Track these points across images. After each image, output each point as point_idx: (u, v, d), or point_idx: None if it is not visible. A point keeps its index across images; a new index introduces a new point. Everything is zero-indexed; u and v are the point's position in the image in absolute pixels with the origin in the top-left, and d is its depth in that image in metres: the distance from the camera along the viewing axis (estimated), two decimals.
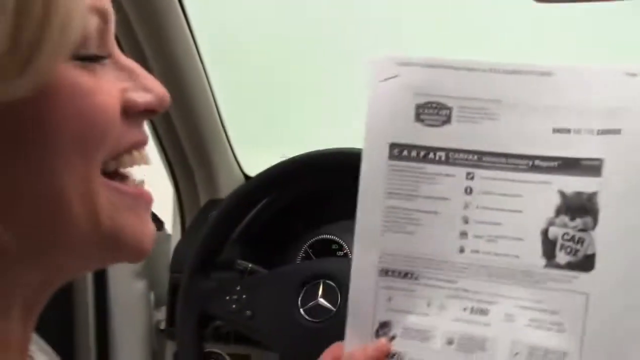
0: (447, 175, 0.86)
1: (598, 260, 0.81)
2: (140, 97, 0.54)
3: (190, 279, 1.29)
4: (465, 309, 0.86)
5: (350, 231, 1.23)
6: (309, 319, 1.24)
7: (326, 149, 1.33)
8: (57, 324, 1.47)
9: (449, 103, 0.87)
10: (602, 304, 0.80)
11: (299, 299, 1.26)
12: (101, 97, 0.50)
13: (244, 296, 1.27)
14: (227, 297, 1.28)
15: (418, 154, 0.87)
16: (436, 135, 0.86)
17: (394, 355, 0.87)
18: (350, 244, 1.41)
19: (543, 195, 0.83)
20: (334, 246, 1.52)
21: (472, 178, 0.86)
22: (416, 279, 0.87)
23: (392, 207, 0.87)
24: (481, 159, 0.86)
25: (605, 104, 0.82)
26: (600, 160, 0.81)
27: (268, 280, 1.32)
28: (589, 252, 0.82)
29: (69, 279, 0.58)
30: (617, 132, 0.81)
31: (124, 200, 0.55)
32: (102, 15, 0.52)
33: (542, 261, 0.84)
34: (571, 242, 0.82)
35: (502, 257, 0.85)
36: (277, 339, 1.26)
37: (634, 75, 0.82)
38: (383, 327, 0.88)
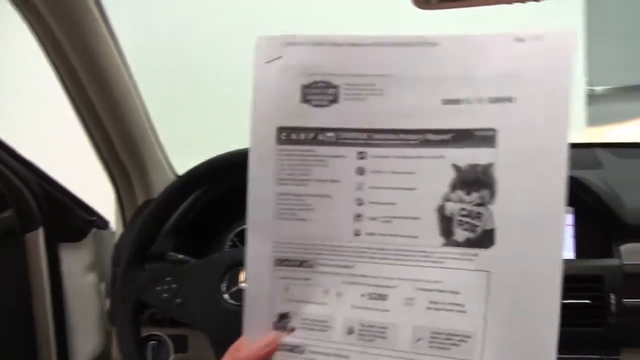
0: (338, 156, 0.67)
1: (498, 235, 0.63)
2: None
3: (125, 271, 1.14)
4: (363, 295, 0.67)
5: None
6: (233, 302, 1.09)
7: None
8: (17, 316, 1.30)
9: (335, 81, 0.67)
10: (504, 280, 0.63)
11: (224, 284, 1.10)
12: None
13: (174, 285, 1.11)
14: (159, 287, 1.12)
15: (307, 136, 0.67)
16: (324, 116, 0.68)
17: (294, 348, 0.67)
18: None
19: (437, 170, 0.65)
20: None
21: (363, 157, 0.67)
22: (312, 266, 0.68)
23: (283, 193, 0.69)
24: (371, 137, 0.67)
25: (495, 71, 0.64)
26: (493, 130, 0.63)
27: (195, 269, 1.16)
28: (488, 227, 0.64)
29: None
30: (509, 100, 0.63)
31: None
32: None
33: (440, 240, 0.65)
34: (469, 218, 0.64)
35: (398, 238, 0.66)
36: (205, 323, 1.11)
37: (522, 40, 0.64)
38: (282, 319, 0.69)
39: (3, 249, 1.25)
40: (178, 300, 1.11)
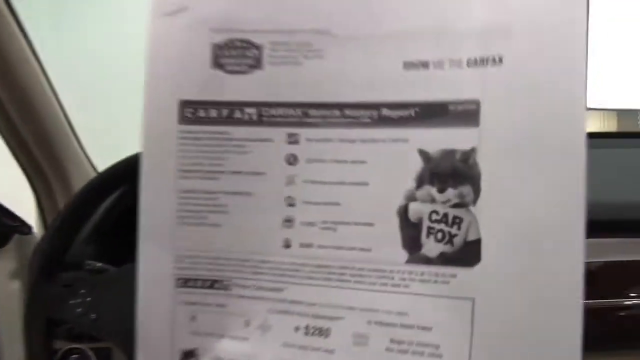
0: (261, 140, 0.43)
1: (484, 248, 0.39)
2: None
3: (35, 283, 0.86)
4: (297, 329, 0.43)
5: None
6: None
7: None
8: None
9: (258, 40, 0.43)
10: (494, 313, 0.39)
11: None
12: None
13: (88, 298, 0.82)
14: (72, 301, 0.84)
15: (220, 113, 0.42)
16: (243, 86, 0.44)
17: None
18: None
19: (397, 158, 0.41)
20: None
21: (295, 142, 0.43)
22: (227, 288, 0.44)
23: (188, 190, 0.44)
24: (307, 113, 0.43)
25: (477, 22, 0.40)
26: (475, 102, 0.40)
27: (112, 280, 0.87)
28: (471, 237, 0.40)
29: None
30: (496, 61, 0.39)
31: None
32: None
33: (403, 255, 0.41)
34: (443, 224, 0.41)
35: (344, 251, 0.42)
36: (123, 339, 0.78)
37: None
38: (187, 358, 0.44)
39: None
40: (93, 316, 0.84)
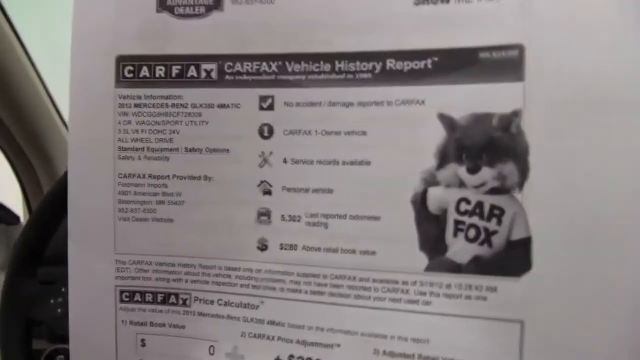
0: (224, 105, 0.31)
1: (537, 250, 0.28)
2: None
3: (11, 279, 0.72)
4: None
5: None
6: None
7: None
8: None
9: None
10: (550, 338, 0.27)
11: None
12: None
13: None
14: (52, 300, 0.67)
15: (168, 71, 0.31)
16: (198, 34, 0.32)
17: None
18: None
19: (409, 125, 0.29)
20: None
21: (270, 106, 0.31)
22: (185, 304, 0.33)
23: (129, 174, 0.33)
24: (284, 68, 0.31)
25: None
26: (518, 46, 0.27)
27: None
28: (517, 235, 0.28)
29: None
30: None
31: None
32: None
33: (422, 259, 0.29)
34: (477, 218, 0.28)
35: (340, 255, 0.30)
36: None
37: None
38: None
39: None
40: None
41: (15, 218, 1.13)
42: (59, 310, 0.76)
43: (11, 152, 1.08)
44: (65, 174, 0.82)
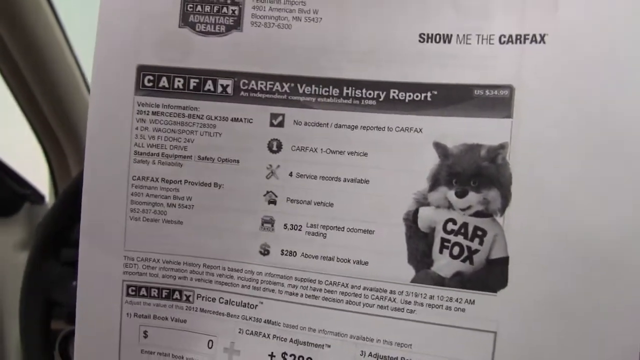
0: (238, 119, 0.34)
1: (513, 269, 0.31)
2: None
3: (34, 260, 0.77)
4: (273, 357, 0.34)
5: None
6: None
7: None
8: None
9: None
10: (520, 350, 0.31)
11: None
12: None
13: None
14: (74, 283, 0.68)
15: (186, 83, 0.34)
16: (217, 51, 0.34)
17: None
18: None
19: (406, 151, 0.32)
20: None
21: (280, 124, 0.34)
22: (188, 300, 0.36)
23: (143, 177, 0.35)
24: (296, 90, 0.34)
25: None
26: (508, 88, 0.31)
27: None
28: (496, 254, 0.31)
29: None
30: (537, 39, 0.30)
31: None
32: None
33: (409, 271, 0.32)
34: (461, 237, 0.32)
35: (335, 263, 0.33)
36: None
37: None
38: None
39: None
40: None
41: (41, 198, 1.16)
42: None
43: (42, 133, 1.11)
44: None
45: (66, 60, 1.03)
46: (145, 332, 0.36)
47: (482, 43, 0.31)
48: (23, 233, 1.14)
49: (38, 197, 1.17)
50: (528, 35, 0.30)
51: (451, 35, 0.32)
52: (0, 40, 0.96)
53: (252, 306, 0.34)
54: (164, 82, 0.34)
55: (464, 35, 0.31)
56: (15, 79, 1.02)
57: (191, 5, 0.34)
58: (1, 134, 1.13)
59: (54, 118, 1.09)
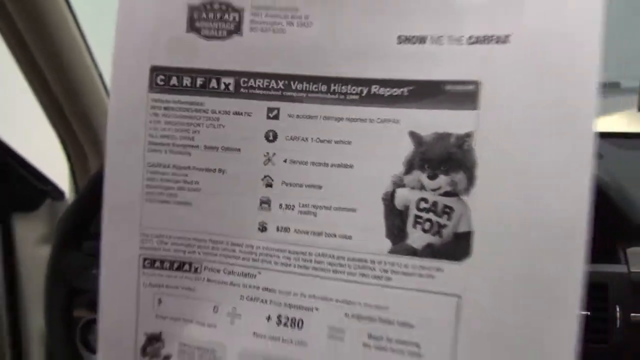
0: (239, 113, 0.40)
1: (476, 242, 0.35)
2: None
3: (57, 251, 0.83)
4: (269, 319, 0.39)
5: None
6: None
7: None
8: None
9: (238, 2, 0.39)
10: (482, 312, 0.35)
11: None
12: None
13: None
14: (95, 271, 0.74)
15: (193, 82, 0.39)
16: (220, 53, 0.39)
17: None
18: None
19: (385, 139, 0.37)
20: None
21: (276, 116, 0.39)
22: (196, 271, 0.41)
23: (157, 164, 0.41)
24: (289, 86, 0.39)
25: None
26: (475, 83, 0.35)
27: None
28: (461, 229, 0.36)
29: None
30: (501, 40, 0.35)
31: None
32: None
33: (387, 244, 0.37)
34: (432, 214, 0.36)
35: (323, 238, 0.38)
36: None
37: None
38: (152, 343, 0.42)
39: None
40: None
41: (61, 194, 1.21)
42: None
43: (63, 132, 1.16)
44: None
45: (85, 63, 1.08)
46: (159, 299, 0.41)
47: (452, 44, 0.36)
48: (44, 228, 1.18)
49: (58, 194, 1.22)
50: (493, 36, 0.35)
51: (426, 36, 0.36)
52: (24, 45, 1.01)
53: (251, 276, 0.39)
54: (174, 81, 0.39)
55: (437, 36, 0.36)
56: (37, 81, 1.07)
57: (197, 13, 0.39)
58: (24, 133, 1.18)
59: (75, 119, 1.13)
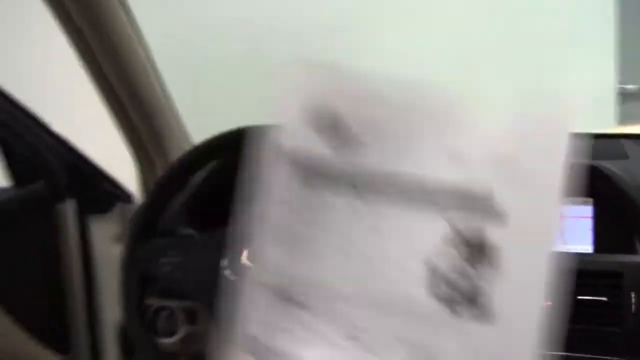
0: (333, 195, 0.52)
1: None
2: None
3: (131, 244, 1.01)
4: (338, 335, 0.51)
5: None
6: (232, 276, 0.92)
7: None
8: (48, 283, 1.22)
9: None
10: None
11: (224, 258, 0.93)
12: None
13: (177, 258, 0.98)
14: (163, 260, 0.98)
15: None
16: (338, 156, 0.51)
17: None
18: None
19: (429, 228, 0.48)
20: None
21: (356, 209, 0.51)
22: (290, 299, 0.53)
23: (281, 217, 0.53)
24: (368, 185, 0.50)
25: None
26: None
27: (198, 243, 1.01)
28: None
29: None
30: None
31: None
32: None
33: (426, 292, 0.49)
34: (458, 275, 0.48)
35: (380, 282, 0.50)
36: (205, 295, 0.95)
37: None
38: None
39: (35, 218, 1.17)
40: (180, 273, 0.98)
41: (130, 197, 1.32)
42: (168, 268, 0.97)
43: (133, 141, 1.29)
44: (177, 161, 1.03)
45: (153, 85, 1.21)
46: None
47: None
48: (118, 227, 1.31)
49: (128, 197, 1.35)
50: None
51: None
52: (98, 66, 1.14)
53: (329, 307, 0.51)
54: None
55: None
56: (111, 100, 1.19)
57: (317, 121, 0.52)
58: (99, 143, 1.31)
59: (144, 131, 1.26)
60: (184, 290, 1.01)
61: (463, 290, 0.46)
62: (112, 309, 1.29)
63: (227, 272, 0.94)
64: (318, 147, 0.50)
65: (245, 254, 0.91)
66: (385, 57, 1.91)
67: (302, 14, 2.22)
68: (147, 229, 1.00)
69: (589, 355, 0.83)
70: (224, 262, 0.94)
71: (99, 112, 1.25)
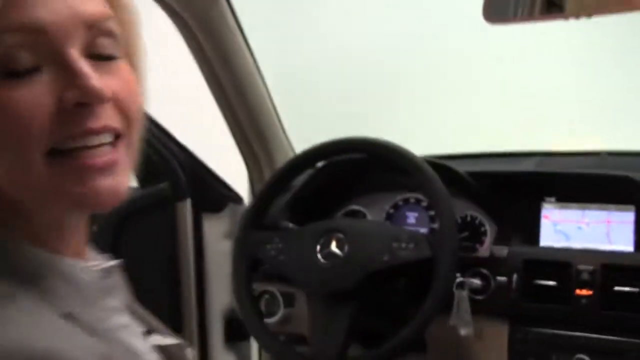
0: None
1: None
2: (70, 95, 0.44)
3: (242, 233, 1.19)
4: None
5: (372, 203, 1.30)
6: (324, 261, 1.09)
7: (363, 137, 1.17)
8: (165, 272, 1.37)
9: None
10: None
11: (318, 246, 1.10)
12: (22, 104, 0.43)
13: (280, 245, 1.14)
14: (268, 246, 1.15)
15: None
16: None
17: None
18: (371, 213, 1.33)
19: None
20: (360, 215, 1.35)
21: None
22: None
23: None
24: None
25: None
26: None
27: (297, 233, 1.18)
28: None
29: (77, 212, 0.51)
30: None
31: (66, 170, 0.46)
32: (29, 30, 0.43)
33: None
34: None
35: None
36: (301, 277, 1.14)
37: None
38: None
39: (159, 214, 1.33)
40: (282, 257, 1.14)
41: (240, 198, 1.47)
42: (272, 252, 1.17)
43: (247, 152, 1.44)
44: (281, 168, 1.24)
45: (264, 98, 1.36)
46: None
47: None
48: (227, 226, 1.47)
49: (238, 199, 1.50)
50: None
51: None
52: (222, 89, 1.31)
53: None
54: None
55: None
56: (230, 117, 1.36)
57: None
58: (215, 151, 1.48)
59: (256, 141, 1.42)
60: (284, 273, 1.18)
61: None
62: (219, 298, 1.45)
63: (318, 256, 1.10)
64: None
65: (334, 243, 1.12)
66: None
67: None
68: (256, 221, 1.19)
69: (631, 340, 0.97)
70: (317, 248, 1.11)
71: (219, 127, 1.41)
